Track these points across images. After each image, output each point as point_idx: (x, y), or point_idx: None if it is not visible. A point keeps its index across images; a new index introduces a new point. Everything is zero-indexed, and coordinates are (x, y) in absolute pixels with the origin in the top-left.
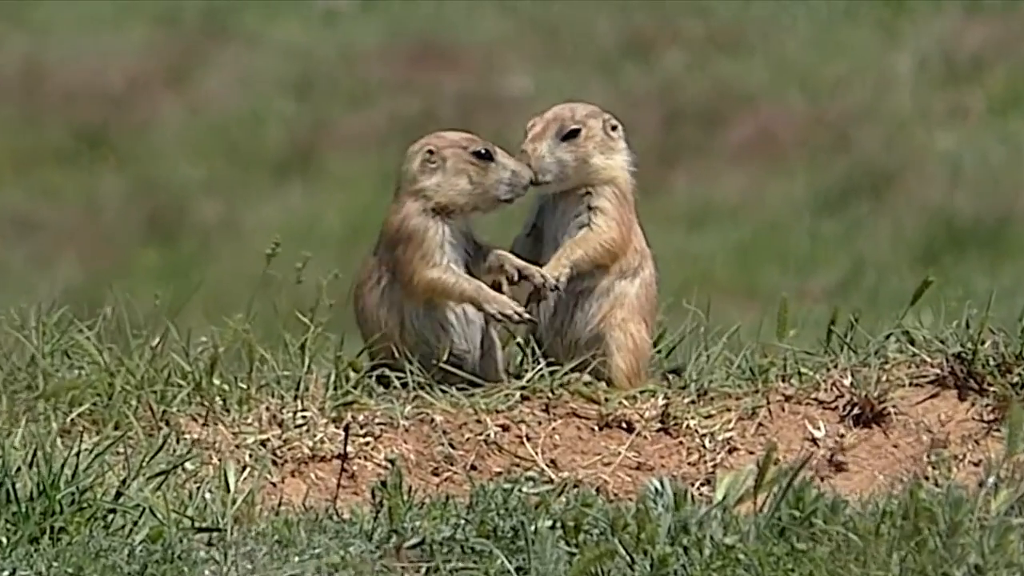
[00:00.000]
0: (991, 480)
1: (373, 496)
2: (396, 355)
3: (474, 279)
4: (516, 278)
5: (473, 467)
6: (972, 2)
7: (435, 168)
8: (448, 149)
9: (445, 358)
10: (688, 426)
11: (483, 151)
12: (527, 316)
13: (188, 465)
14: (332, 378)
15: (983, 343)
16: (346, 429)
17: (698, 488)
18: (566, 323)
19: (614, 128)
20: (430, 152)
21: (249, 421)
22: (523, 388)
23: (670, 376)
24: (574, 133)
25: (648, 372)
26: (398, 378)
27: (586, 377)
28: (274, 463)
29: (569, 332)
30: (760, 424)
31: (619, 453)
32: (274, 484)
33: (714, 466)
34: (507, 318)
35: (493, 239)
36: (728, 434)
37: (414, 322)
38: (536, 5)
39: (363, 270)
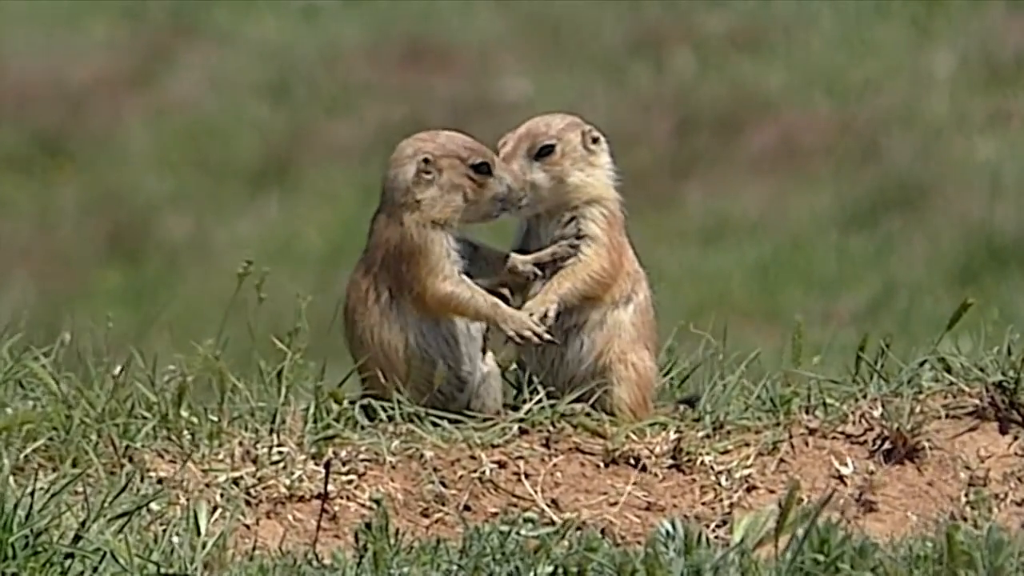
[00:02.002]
0: None
1: (356, 539)
2: (386, 380)
3: (490, 295)
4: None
5: (466, 507)
6: None
7: (430, 180)
8: (444, 160)
9: (446, 383)
10: (702, 462)
11: (483, 166)
12: (547, 337)
13: (154, 505)
14: (312, 410)
15: None
16: (327, 466)
17: (713, 530)
18: (556, 362)
19: (595, 140)
20: (426, 161)
21: (220, 457)
22: (521, 421)
23: (682, 407)
24: (548, 150)
25: (654, 403)
26: (384, 409)
27: (587, 409)
28: (248, 503)
29: (561, 371)
30: (782, 460)
31: (626, 492)
32: (248, 526)
33: (731, 506)
34: (525, 340)
35: None
36: (747, 471)
37: (419, 340)
38: (535, 2)
39: (355, 290)
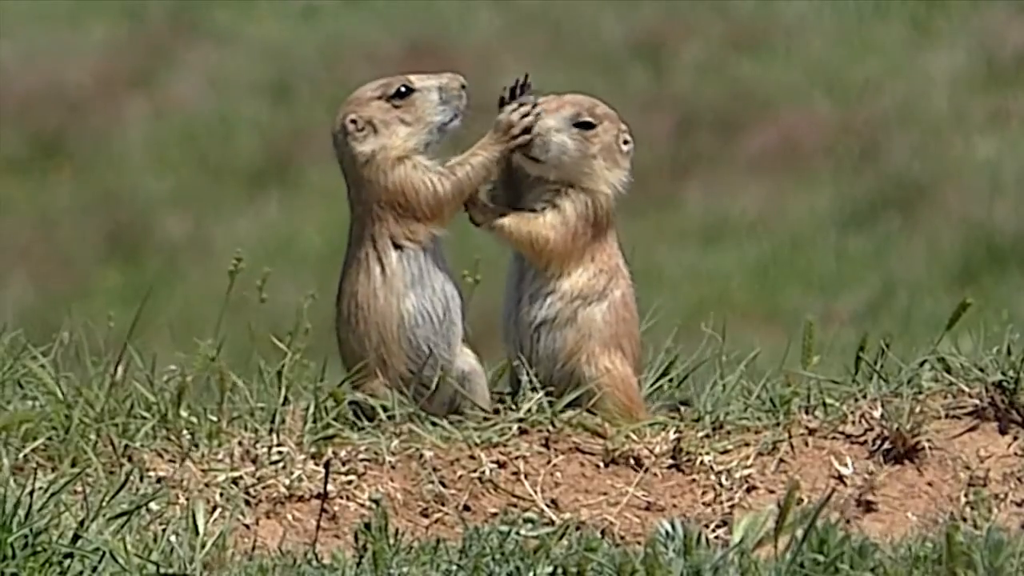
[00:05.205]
0: None
1: (356, 539)
2: (384, 364)
3: (476, 153)
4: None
5: (466, 507)
6: None
7: (365, 133)
8: (367, 109)
9: (428, 368)
10: (702, 462)
11: (401, 89)
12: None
13: (153, 505)
14: (311, 410)
15: None
16: (326, 466)
17: (713, 530)
18: (533, 358)
19: (625, 143)
20: (353, 122)
21: (220, 457)
22: (521, 421)
23: (673, 412)
24: (589, 126)
25: (645, 403)
26: (383, 408)
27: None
28: (247, 503)
29: (540, 368)
30: (781, 460)
31: (626, 492)
32: (247, 526)
33: (731, 506)
34: (523, 133)
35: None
36: (746, 471)
37: (410, 316)
38: (535, 1)
39: (347, 277)
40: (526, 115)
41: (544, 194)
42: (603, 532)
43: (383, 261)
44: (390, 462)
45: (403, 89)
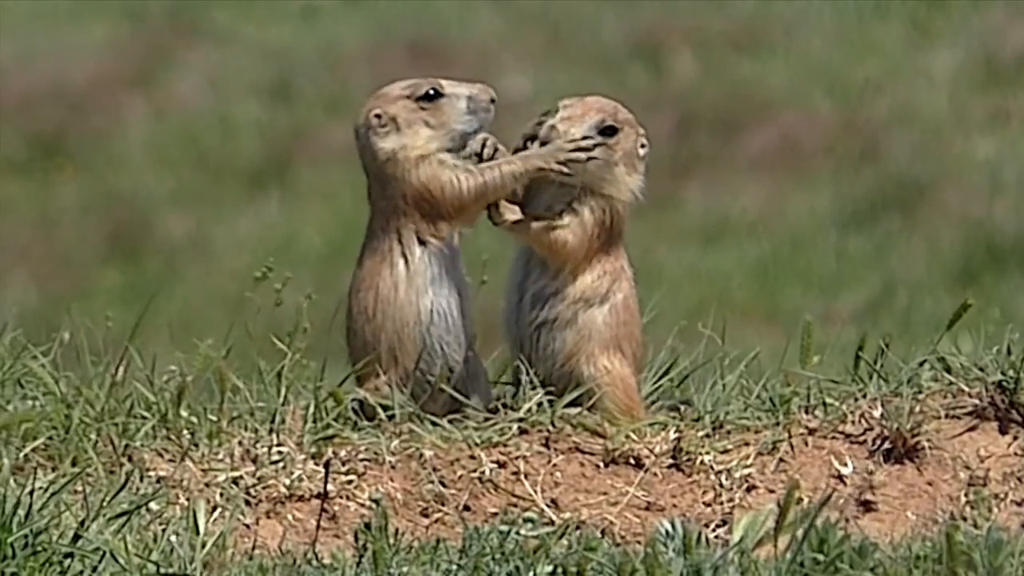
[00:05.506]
0: None
1: (356, 539)
2: (395, 362)
3: (506, 161)
4: (487, 150)
5: (466, 507)
6: None
7: (388, 130)
8: (392, 106)
9: (439, 367)
10: (702, 462)
11: (430, 92)
12: (588, 143)
13: (153, 505)
14: (311, 410)
15: None
16: (326, 466)
17: (713, 530)
18: (533, 357)
19: (643, 147)
20: (377, 117)
21: (220, 457)
22: (521, 420)
23: (673, 412)
24: (612, 131)
25: (645, 403)
26: (384, 407)
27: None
28: (247, 503)
29: (539, 367)
30: (781, 460)
31: (626, 492)
32: (247, 526)
33: (731, 506)
34: (572, 161)
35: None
36: (746, 471)
37: (425, 319)
38: (535, 1)
39: (366, 267)
40: (576, 148)
41: (562, 196)
42: (603, 532)
43: (407, 256)
44: (390, 462)
45: (431, 92)
